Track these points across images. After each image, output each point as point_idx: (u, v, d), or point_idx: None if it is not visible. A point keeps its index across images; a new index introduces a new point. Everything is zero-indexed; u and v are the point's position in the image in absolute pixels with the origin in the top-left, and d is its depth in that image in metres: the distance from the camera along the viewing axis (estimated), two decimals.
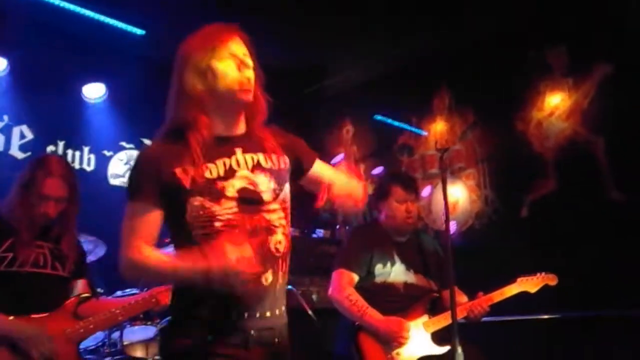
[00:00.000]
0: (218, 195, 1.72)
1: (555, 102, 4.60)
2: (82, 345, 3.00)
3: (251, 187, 1.77)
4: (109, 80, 5.42)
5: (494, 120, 4.88)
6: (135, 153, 5.78)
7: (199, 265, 1.60)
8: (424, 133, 5.53)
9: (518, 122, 4.77)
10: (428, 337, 3.12)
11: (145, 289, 3.76)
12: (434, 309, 3.20)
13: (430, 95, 5.45)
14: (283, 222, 1.80)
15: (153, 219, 1.76)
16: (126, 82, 5.31)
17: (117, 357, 3.42)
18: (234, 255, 1.57)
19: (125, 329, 3.59)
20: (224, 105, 1.83)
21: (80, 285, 2.88)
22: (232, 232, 1.67)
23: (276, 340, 1.79)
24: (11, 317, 2.54)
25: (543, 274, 3.21)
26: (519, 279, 3.20)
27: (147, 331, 3.72)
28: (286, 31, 5.06)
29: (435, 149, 2.82)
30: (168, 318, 3.81)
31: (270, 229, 1.76)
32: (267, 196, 1.78)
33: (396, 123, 5.83)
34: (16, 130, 5.06)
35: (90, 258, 3.66)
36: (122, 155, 5.69)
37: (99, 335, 3.43)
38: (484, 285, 3.26)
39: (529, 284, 3.18)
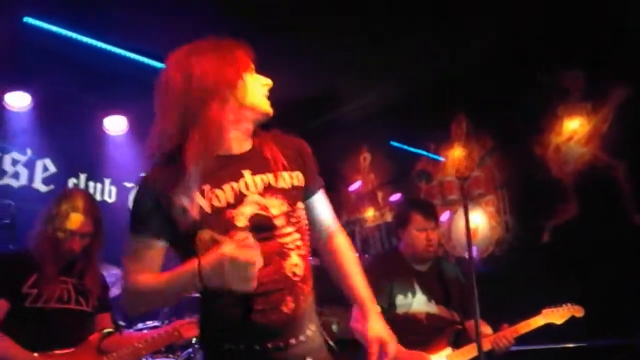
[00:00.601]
0: (227, 227, 1.60)
1: (574, 126, 4.59)
2: None
3: (263, 213, 1.66)
4: (130, 112, 5.50)
5: (512, 146, 4.87)
6: None
7: (189, 266, 1.53)
8: (442, 159, 5.53)
9: (536, 147, 4.75)
10: None
11: (167, 321, 3.78)
12: (457, 341, 3.15)
13: (447, 121, 5.46)
14: (299, 242, 1.70)
15: (154, 255, 1.68)
16: (147, 114, 5.37)
17: None
18: (230, 246, 1.48)
19: None
20: (244, 121, 1.74)
21: (103, 320, 2.89)
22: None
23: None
24: (36, 354, 2.56)
25: (569, 305, 3.16)
26: (544, 311, 3.15)
27: None
28: (301, 58, 5.12)
29: (456, 177, 2.80)
30: (189, 350, 3.82)
31: (283, 253, 1.66)
32: (279, 221, 1.68)
33: (413, 149, 5.84)
34: (39, 164, 5.15)
35: (114, 290, 3.69)
36: None
37: None
38: (506, 313, 3.22)
39: (555, 316, 3.13)
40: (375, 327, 1.80)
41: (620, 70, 4.26)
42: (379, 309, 1.86)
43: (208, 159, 1.65)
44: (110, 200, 5.43)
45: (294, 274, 1.66)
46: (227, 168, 1.68)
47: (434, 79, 5.24)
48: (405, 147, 5.93)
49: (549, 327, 3.12)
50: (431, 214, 3.39)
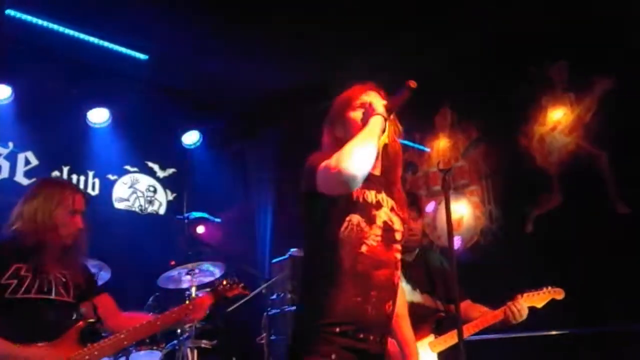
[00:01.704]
0: (372, 220, 1.92)
1: (558, 116, 4.61)
2: None
3: (390, 224, 1.96)
4: (113, 104, 5.47)
5: (497, 136, 4.89)
6: (139, 176, 5.81)
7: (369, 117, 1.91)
8: (427, 150, 5.54)
9: (521, 138, 4.76)
10: (434, 357, 3.09)
11: (151, 313, 3.77)
12: (439, 329, 3.16)
13: (432, 112, 5.47)
14: (399, 262, 2.00)
15: None
16: (130, 106, 5.37)
17: None
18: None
19: (131, 354, 3.58)
20: None
21: (101, 301, 2.85)
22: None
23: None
24: (16, 346, 2.53)
25: (549, 287, 3.16)
26: (525, 294, 3.16)
27: (153, 356, 3.71)
28: (288, 50, 5.10)
29: (438, 169, 2.81)
30: (173, 342, 3.82)
31: (396, 265, 1.97)
32: (398, 236, 1.98)
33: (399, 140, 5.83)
34: (21, 157, 5.11)
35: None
36: (127, 179, 5.72)
37: None
38: (490, 301, 3.24)
39: (535, 299, 3.14)
40: None
41: (603, 61, 4.28)
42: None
43: None
44: (93, 193, 5.40)
45: (397, 285, 1.97)
46: (371, 181, 1.97)
47: (419, 70, 5.23)
48: None
49: (531, 314, 3.13)
50: (412, 204, 3.39)
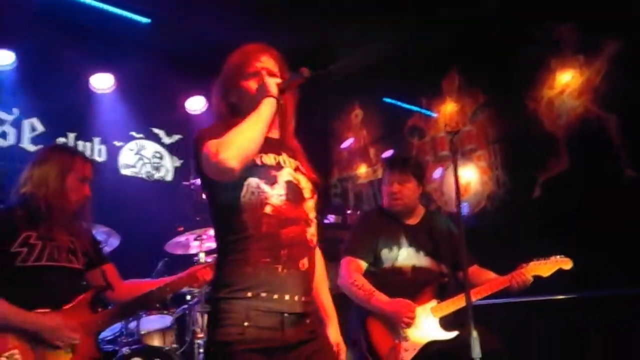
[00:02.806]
0: (273, 181, 1.91)
1: (566, 79, 4.55)
2: (100, 336, 3.03)
3: (295, 182, 1.96)
4: (117, 70, 5.42)
5: (505, 100, 4.84)
6: (145, 143, 5.80)
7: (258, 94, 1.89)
8: (434, 115, 5.49)
9: (529, 101, 4.72)
10: (436, 322, 3.10)
11: (160, 278, 3.80)
12: (442, 294, 3.17)
13: (439, 77, 5.40)
14: (315, 220, 1.99)
15: None
16: (134, 72, 5.32)
17: (135, 346, 3.45)
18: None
19: (142, 319, 3.63)
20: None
21: (107, 272, 2.87)
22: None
23: (308, 321, 1.92)
24: (31, 312, 2.56)
25: (557, 257, 3.16)
26: (532, 263, 3.15)
27: (164, 320, 3.76)
28: (291, 15, 5.03)
29: (445, 132, 2.79)
30: (183, 307, 3.86)
31: (307, 222, 1.95)
32: (306, 193, 1.98)
33: (405, 105, 5.79)
34: (27, 123, 5.09)
35: (105, 249, 3.69)
36: (133, 145, 5.71)
37: (117, 325, 3.46)
38: (497, 267, 3.25)
39: (542, 268, 3.13)
40: (332, 333, 2.15)
41: (613, 23, 4.20)
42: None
43: None
44: (99, 159, 5.39)
45: (312, 241, 1.95)
46: (269, 144, 1.95)
47: (426, 34, 5.17)
48: (398, 103, 5.88)
49: (538, 279, 3.14)
50: (396, 167, 3.35)
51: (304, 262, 1.90)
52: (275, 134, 2.05)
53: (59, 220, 2.74)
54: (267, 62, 2.05)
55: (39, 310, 2.56)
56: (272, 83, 1.92)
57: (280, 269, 1.84)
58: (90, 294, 2.76)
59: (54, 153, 2.87)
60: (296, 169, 2.01)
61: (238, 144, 1.78)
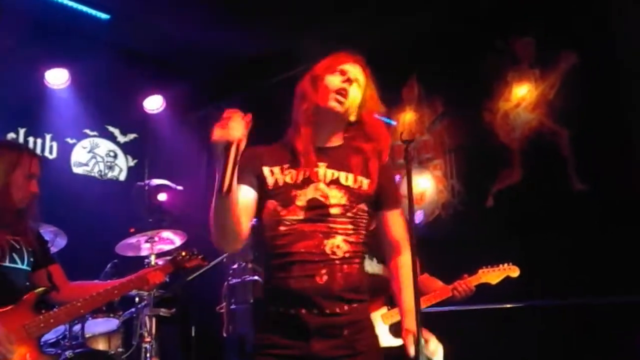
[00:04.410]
0: (290, 202, 1.90)
1: (522, 93, 4.64)
2: (43, 339, 2.93)
3: (321, 199, 1.90)
4: (73, 65, 5.29)
5: (462, 111, 4.91)
6: (99, 141, 5.68)
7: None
8: (394, 123, 5.53)
9: (485, 113, 4.79)
10: (386, 329, 3.13)
11: (108, 281, 3.71)
12: (393, 301, 3.19)
13: (399, 85, 5.45)
14: (350, 232, 1.92)
15: (245, 194, 1.91)
16: (91, 68, 5.20)
17: (79, 350, 3.35)
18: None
19: (87, 321, 3.54)
20: (323, 119, 2.01)
21: (54, 273, 2.78)
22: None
23: (339, 333, 1.86)
24: None
25: (505, 265, 3.23)
26: (480, 270, 3.22)
27: (110, 323, 3.67)
28: (254, 18, 5.01)
29: (400, 140, 2.80)
30: (131, 310, 3.78)
31: (329, 234, 1.89)
32: (335, 210, 1.91)
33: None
34: None
35: (52, 249, 3.58)
36: (86, 143, 5.58)
37: (60, 327, 3.36)
38: (449, 275, 3.28)
39: (490, 276, 3.20)
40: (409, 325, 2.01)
41: (569, 37, 4.30)
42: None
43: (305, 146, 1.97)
44: (50, 157, 5.26)
45: (333, 253, 1.88)
46: (304, 156, 1.95)
47: (387, 43, 5.20)
48: None
49: (487, 287, 3.19)
50: None
51: (322, 276, 1.86)
52: (336, 142, 2.03)
53: (3, 219, 2.64)
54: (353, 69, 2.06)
55: None
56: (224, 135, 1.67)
57: (293, 284, 1.86)
58: (33, 295, 2.67)
59: (0, 148, 2.77)
60: (331, 182, 1.94)
61: (215, 230, 1.82)
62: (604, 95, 4.05)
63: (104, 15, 5.11)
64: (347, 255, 1.90)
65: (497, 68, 4.75)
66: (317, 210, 1.90)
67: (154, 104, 5.76)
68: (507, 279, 3.22)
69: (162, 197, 4.97)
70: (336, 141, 2.04)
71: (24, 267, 2.71)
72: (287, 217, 1.89)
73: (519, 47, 4.67)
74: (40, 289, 2.70)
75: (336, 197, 1.92)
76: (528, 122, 4.56)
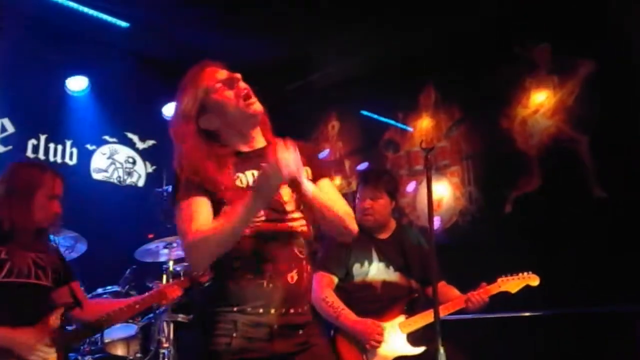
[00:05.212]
0: None
1: (540, 99, 4.61)
2: None
3: (277, 197, 1.88)
4: (93, 73, 5.37)
5: (480, 117, 4.88)
6: (118, 147, 5.74)
7: (244, 196, 1.76)
8: (410, 129, 5.53)
9: (503, 119, 4.77)
10: (404, 337, 3.11)
11: (127, 286, 3.75)
12: (411, 309, 3.18)
13: (416, 91, 5.44)
14: (304, 228, 1.95)
15: (207, 206, 1.86)
16: (110, 75, 5.27)
17: (98, 355, 3.39)
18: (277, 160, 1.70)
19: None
20: (238, 124, 1.97)
21: (74, 289, 2.81)
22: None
23: (300, 333, 1.90)
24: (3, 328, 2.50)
25: (525, 274, 3.19)
26: (500, 279, 3.19)
27: (128, 329, 3.70)
28: (271, 25, 5.03)
29: (420, 148, 2.80)
30: (149, 316, 3.81)
31: (292, 235, 1.91)
32: (289, 207, 1.93)
33: (382, 119, 5.82)
34: None
35: (72, 255, 3.63)
36: (105, 149, 5.64)
37: None
38: (467, 282, 3.27)
39: (510, 285, 3.17)
40: None
41: (587, 44, 4.28)
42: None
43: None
44: (71, 163, 5.32)
45: (301, 252, 1.92)
46: (246, 160, 1.94)
47: (405, 49, 5.21)
48: (375, 116, 5.90)
49: (506, 295, 3.17)
50: (368, 182, 3.36)
51: (293, 276, 1.88)
52: (259, 143, 2.01)
53: (26, 238, 2.68)
54: (223, 74, 1.99)
55: (11, 327, 2.50)
56: (286, 162, 1.72)
57: (265, 284, 1.84)
58: (60, 310, 2.71)
59: (22, 169, 2.81)
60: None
61: (210, 252, 1.80)
62: (623, 102, 4.02)
63: (123, 24, 5.17)
64: (308, 255, 1.95)
65: (514, 74, 4.73)
66: (275, 210, 1.89)
67: (172, 111, 5.80)
68: (527, 287, 3.19)
69: None
70: (261, 142, 2.04)
71: (48, 283, 2.75)
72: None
73: (536, 54, 4.64)
74: (66, 304, 2.75)
75: (286, 194, 1.93)
76: (546, 129, 4.53)
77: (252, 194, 1.74)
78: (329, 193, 2.02)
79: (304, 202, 1.94)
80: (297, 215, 1.94)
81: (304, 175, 1.89)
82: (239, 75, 1.97)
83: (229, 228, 1.77)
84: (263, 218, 1.86)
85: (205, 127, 1.95)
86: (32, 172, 2.78)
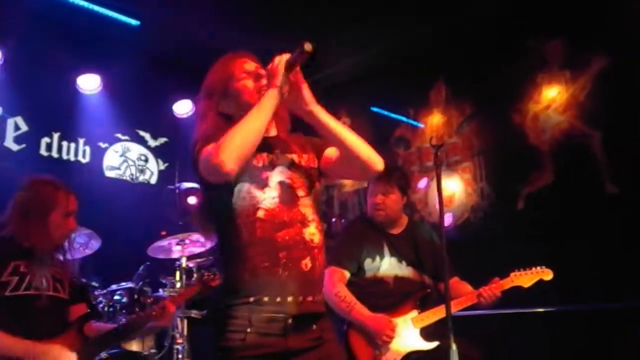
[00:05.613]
0: (264, 184, 1.89)
1: (552, 94, 4.59)
2: None
3: (288, 181, 1.92)
4: (104, 71, 5.38)
5: (491, 113, 4.87)
6: (130, 145, 5.77)
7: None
8: (421, 125, 5.52)
9: (515, 115, 4.75)
10: (416, 332, 3.11)
11: (141, 283, 3.78)
12: (424, 305, 3.18)
13: (427, 88, 5.43)
14: (314, 216, 1.95)
15: None
16: (121, 73, 5.29)
17: (113, 350, 3.41)
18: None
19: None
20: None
21: (80, 310, 2.86)
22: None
23: (314, 327, 1.90)
24: (30, 342, 2.53)
25: (538, 268, 3.19)
26: (512, 274, 3.18)
27: None
28: (282, 22, 5.03)
29: (430, 145, 2.80)
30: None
31: (304, 222, 1.91)
32: (301, 192, 1.94)
33: (393, 115, 5.81)
34: (11, 122, 5.04)
35: (86, 252, 3.66)
36: (118, 147, 5.67)
37: None
38: (479, 278, 3.26)
39: (523, 279, 3.16)
40: None
41: (600, 39, 4.25)
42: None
43: None
44: (84, 161, 5.34)
45: (312, 241, 1.90)
46: (263, 143, 1.89)
47: (416, 45, 5.20)
48: (385, 112, 5.89)
49: (519, 291, 3.16)
50: (380, 178, 3.36)
51: (307, 263, 1.87)
52: (272, 132, 2.04)
53: (44, 254, 2.73)
54: (251, 66, 2.05)
55: (36, 340, 2.54)
56: (276, 72, 1.88)
57: (280, 272, 1.84)
58: (81, 322, 2.78)
59: (36, 188, 2.80)
60: (290, 166, 1.97)
61: (236, 144, 1.77)
62: (635, 97, 3.99)
63: (134, 22, 5.19)
64: (320, 244, 1.94)
65: (526, 70, 4.71)
66: (288, 193, 1.92)
67: (183, 108, 5.82)
68: (539, 282, 3.18)
69: (192, 200, 5.03)
70: (273, 132, 2.06)
71: (67, 297, 2.79)
72: (263, 201, 1.88)
73: (548, 49, 4.62)
74: (85, 315, 2.82)
75: (298, 179, 1.96)
76: (558, 124, 4.51)
77: (266, 94, 1.86)
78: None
79: (318, 128, 1.96)
80: (307, 201, 1.94)
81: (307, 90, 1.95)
82: (263, 72, 1.99)
83: (250, 119, 1.82)
84: (277, 200, 1.88)
85: (223, 110, 2.01)
86: (45, 192, 2.77)
